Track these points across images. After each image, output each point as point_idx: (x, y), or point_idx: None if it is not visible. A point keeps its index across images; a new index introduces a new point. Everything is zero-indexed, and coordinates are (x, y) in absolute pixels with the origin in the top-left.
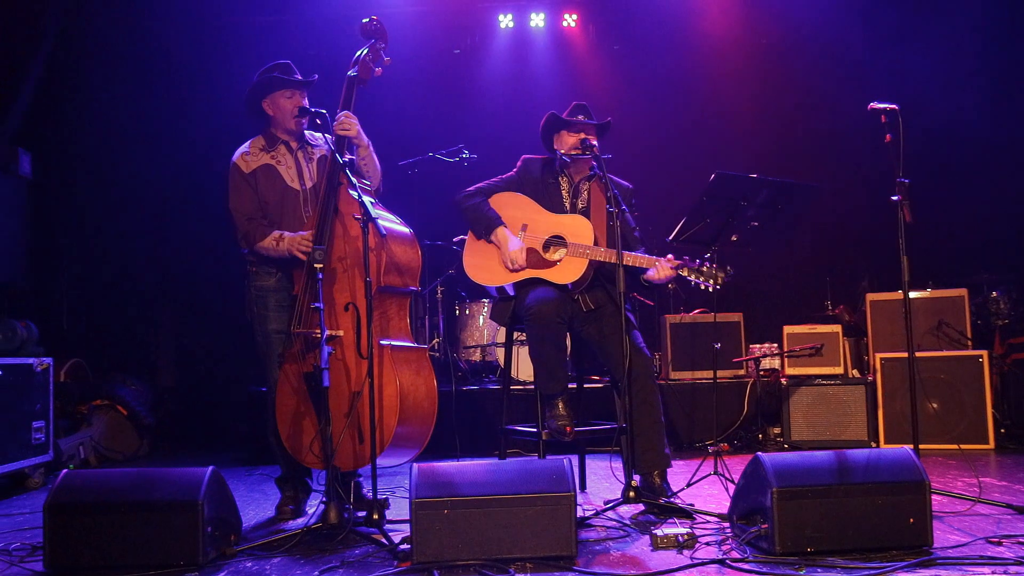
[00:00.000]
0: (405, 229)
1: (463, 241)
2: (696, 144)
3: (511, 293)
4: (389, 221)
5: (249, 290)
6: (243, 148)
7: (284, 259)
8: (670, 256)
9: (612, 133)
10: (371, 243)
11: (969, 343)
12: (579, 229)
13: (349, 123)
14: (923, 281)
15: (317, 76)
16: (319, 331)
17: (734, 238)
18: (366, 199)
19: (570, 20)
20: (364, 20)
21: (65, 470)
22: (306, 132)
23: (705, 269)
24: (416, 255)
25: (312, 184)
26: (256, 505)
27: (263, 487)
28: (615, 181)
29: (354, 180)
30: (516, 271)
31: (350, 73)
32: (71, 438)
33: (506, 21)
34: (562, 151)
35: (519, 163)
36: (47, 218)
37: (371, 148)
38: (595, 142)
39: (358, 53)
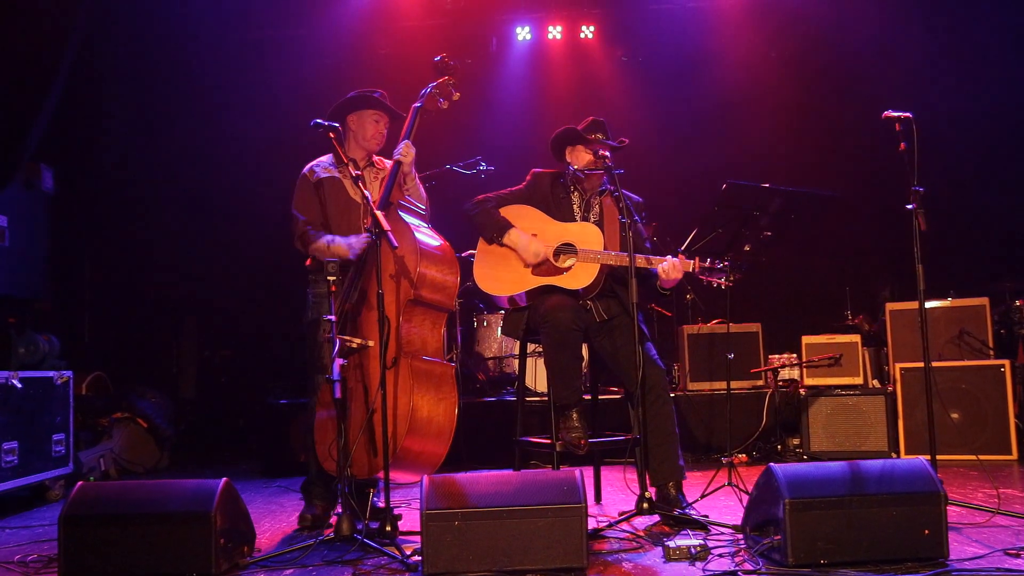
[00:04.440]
0: (443, 248)
1: (473, 256)
2: (711, 156)
3: (522, 304)
4: (429, 237)
5: (308, 297)
6: (313, 162)
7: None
8: (681, 256)
9: (626, 145)
10: (408, 256)
11: (991, 352)
12: (588, 236)
13: (409, 152)
14: (944, 290)
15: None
16: (352, 340)
17: (747, 248)
18: (389, 215)
19: (587, 32)
20: (435, 58)
21: (80, 482)
22: (375, 156)
23: (717, 266)
24: (452, 274)
25: (373, 200)
26: (272, 517)
27: (280, 499)
28: (625, 194)
29: (375, 198)
30: (542, 262)
31: (416, 104)
32: (92, 450)
33: (523, 34)
34: (576, 166)
35: (529, 176)
36: (69, 232)
37: (417, 178)
38: (608, 153)
39: (426, 88)
